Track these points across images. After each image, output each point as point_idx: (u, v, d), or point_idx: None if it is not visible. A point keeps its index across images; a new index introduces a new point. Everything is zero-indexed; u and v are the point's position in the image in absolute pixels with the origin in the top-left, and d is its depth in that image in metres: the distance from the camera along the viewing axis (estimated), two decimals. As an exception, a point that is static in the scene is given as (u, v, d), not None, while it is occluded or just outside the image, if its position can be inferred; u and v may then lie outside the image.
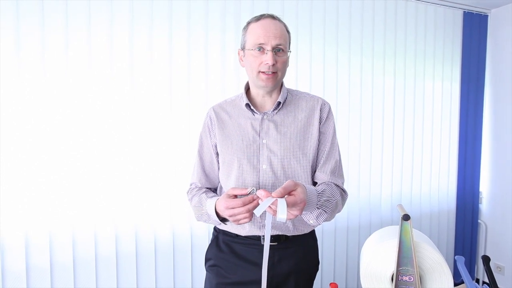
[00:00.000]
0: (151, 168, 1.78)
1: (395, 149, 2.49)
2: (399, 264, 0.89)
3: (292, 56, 2.11)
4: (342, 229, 2.34)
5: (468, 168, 2.77)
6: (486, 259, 1.07)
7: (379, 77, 2.40)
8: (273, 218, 0.84)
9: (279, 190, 0.81)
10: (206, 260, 1.17)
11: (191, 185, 1.21)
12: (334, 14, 2.21)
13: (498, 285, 0.96)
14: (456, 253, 2.82)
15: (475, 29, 2.71)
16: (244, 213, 0.89)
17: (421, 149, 2.61)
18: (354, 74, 2.31)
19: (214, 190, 1.21)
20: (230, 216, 0.92)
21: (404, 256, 0.90)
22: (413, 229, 1.07)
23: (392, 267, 0.91)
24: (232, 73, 1.93)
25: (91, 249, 1.67)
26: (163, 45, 1.78)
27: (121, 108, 1.71)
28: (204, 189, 1.16)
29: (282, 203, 0.79)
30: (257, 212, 0.79)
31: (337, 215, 2.32)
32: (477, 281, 2.84)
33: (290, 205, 0.82)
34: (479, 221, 2.89)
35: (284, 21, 1.07)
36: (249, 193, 0.92)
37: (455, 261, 2.79)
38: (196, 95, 1.86)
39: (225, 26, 1.91)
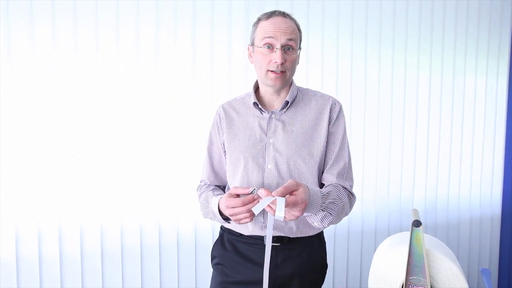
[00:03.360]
0: (172, 164, 1.82)
1: (430, 150, 2.33)
2: (409, 273, 0.83)
3: (316, 53, 2.05)
4: (370, 233, 2.24)
5: (516, 171, 2.52)
6: None
7: (413, 73, 2.25)
8: (275, 218, 0.82)
9: (279, 189, 0.80)
10: (212, 258, 1.18)
11: (200, 182, 1.23)
12: (363, 5, 2.10)
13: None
14: (501, 264, 2.58)
15: (527, 18, 2.44)
16: (244, 213, 0.88)
17: (460, 150, 2.41)
18: (384, 70, 2.19)
19: (223, 187, 1.21)
20: (231, 215, 0.92)
21: (416, 265, 0.83)
22: (432, 237, 1.00)
23: (402, 275, 0.85)
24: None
25: (118, 241, 1.76)
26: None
27: (146, 99, 1.74)
28: (213, 187, 1.17)
29: (280, 201, 0.78)
30: (256, 210, 0.79)
31: (365, 218, 2.24)
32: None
33: (290, 205, 0.80)
34: (529, 230, 2.61)
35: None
36: (251, 192, 0.91)
37: (499, 273, 2.56)
38: (219, 92, 1.86)
39: (247, 25, 1.89)
